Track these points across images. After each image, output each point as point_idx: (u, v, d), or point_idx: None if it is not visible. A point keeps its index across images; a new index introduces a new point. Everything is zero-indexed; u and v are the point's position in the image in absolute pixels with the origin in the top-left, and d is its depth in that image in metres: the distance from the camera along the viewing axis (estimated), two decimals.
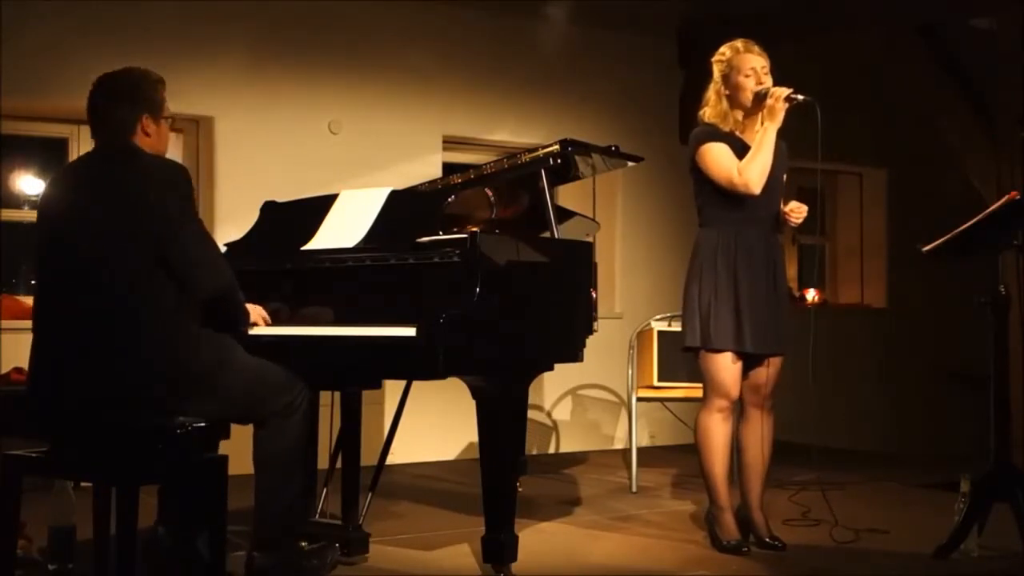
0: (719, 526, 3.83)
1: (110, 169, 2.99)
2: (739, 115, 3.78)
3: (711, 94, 3.82)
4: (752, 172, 3.66)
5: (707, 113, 3.82)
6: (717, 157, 3.72)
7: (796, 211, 3.83)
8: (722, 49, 3.81)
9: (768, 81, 3.74)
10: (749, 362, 3.80)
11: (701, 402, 3.85)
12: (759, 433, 3.86)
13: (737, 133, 3.78)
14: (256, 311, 3.31)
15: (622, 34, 6.90)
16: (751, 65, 3.73)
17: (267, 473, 3.11)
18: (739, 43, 3.79)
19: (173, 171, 3.01)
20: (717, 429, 3.78)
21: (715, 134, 3.76)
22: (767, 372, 3.82)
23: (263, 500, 3.13)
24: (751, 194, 3.67)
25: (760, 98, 3.71)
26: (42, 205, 3.10)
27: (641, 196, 6.98)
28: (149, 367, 2.82)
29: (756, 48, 3.77)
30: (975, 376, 4.51)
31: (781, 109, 3.67)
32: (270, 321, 3.37)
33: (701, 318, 3.75)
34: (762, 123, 3.72)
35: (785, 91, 3.66)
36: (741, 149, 3.74)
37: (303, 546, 3.32)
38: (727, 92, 3.77)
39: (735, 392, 3.77)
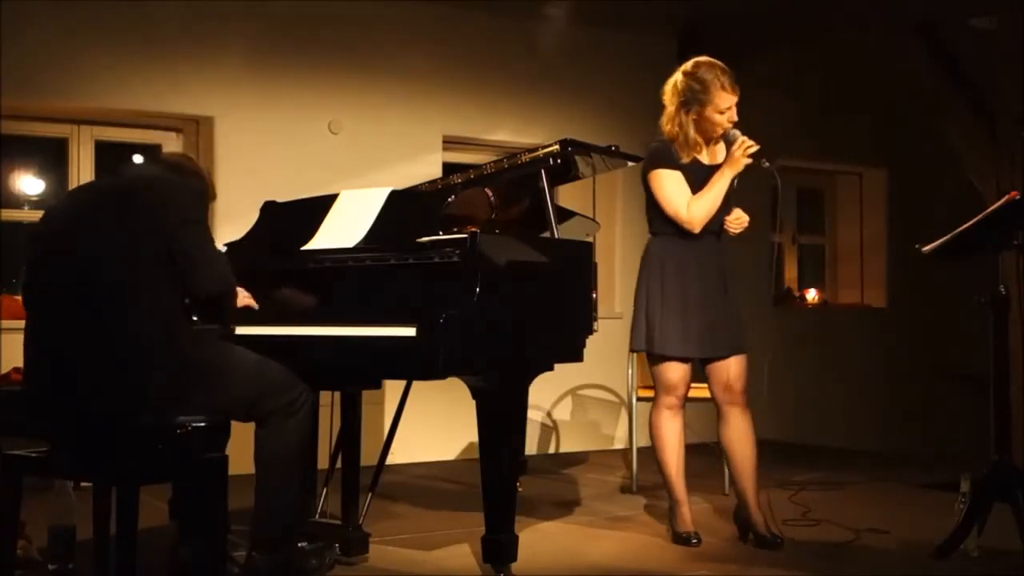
0: (674, 518, 3.96)
1: (121, 178, 3.06)
2: (700, 140, 3.81)
3: (672, 110, 3.78)
4: (698, 213, 3.77)
5: (668, 130, 3.81)
6: (668, 187, 3.81)
7: (735, 222, 3.86)
8: (698, 69, 3.73)
9: (735, 118, 3.74)
10: (713, 364, 3.88)
11: (652, 402, 3.97)
12: (739, 432, 3.89)
13: (695, 154, 3.82)
14: (242, 293, 3.33)
15: (622, 34, 6.89)
16: (728, 105, 3.71)
17: (267, 472, 3.10)
18: (719, 72, 3.70)
19: (185, 180, 3.09)
20: (667, 425, 3.91)
21: (671, 158, 3.80)
22: (732, 371, 3.87)
23: (263, 499, 3.12)
24: (692, 231, 3.77)
25: (728, 141, 3.75)
26: (46, 212, 3.13)
27: (641, 196, 6.93)
28: (149, 364, 2.82)
29: (729, 81, 3.70)
30: (975, 376, 4.52)
31: (745, 162, 3.71)
32: (255, 305, 3.39)
33: (647, 323, 3.85)
34: (720, 153, 3.79)
35: (753, 147, 3.69)
36: (696, 172, 3.79)
37: (302, 546, 3.32)
38: (694, 117, 3.75)
39: (682, 389, 3.90)
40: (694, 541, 3.88)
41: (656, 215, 3.92)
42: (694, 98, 3.73)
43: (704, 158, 3.84)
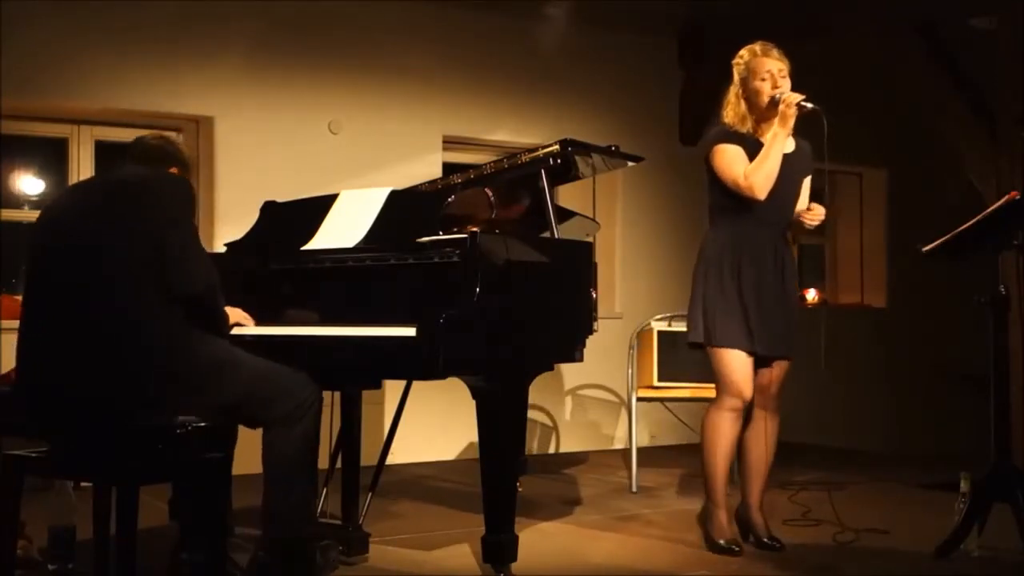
0: (713, 525, 3.83)
1: (117, 177, 3.05)
2: (756, 118, 3.77)
3: (730, 96, 3.80)
4: (757, 177, 3.65)
5: (726, 116, 3.81)
6: (728, 159, 3.72)
7: (810, 214, 3.80)
8: (741, 52, 3.81)
9: (785, 85, 3.72)
10: (756, 363, 3.79)
11: (713, 400, 3.80)
12: (763, 434, 3.85)
13: (756, 136, 3.77)
14: (236, 313, 3.30)
15: (622, 34, 6.90)
16: (767, 68, 3.71)
17: (275, 474, 3.08)
18: (757, 46, 3.78)
19: (176, 178, 3.08)
20: (726, 429, 3.74)
21: (729, 135, 3.75)
22: (774, 374, 3.82)
23: (270, 501, 3.10)
24: (755, 199, 3.67)
25: (775, 103, 3.70)
26: (44, 211, 3.13)
27: (641, 196, 6.98)
28: (149, 366, 2.81)
29: (774, 52, 3.75)
30: (975, 376, 4.51)
31: (792, 115, 3.66)
32: (253, 321, 3.36)
33: (706, 315, 3.74)
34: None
35: (797, 97, 3.65)
36: (753, 147, 3.73)
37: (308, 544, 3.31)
38: (745, 96, 3.76)
39: (748, 392, 3.73)
40: (736, 549, 3.74)
41: (717, 203, 3.81)
42: (741, 76, 3.76)
43: (764, 140, 3.76)
